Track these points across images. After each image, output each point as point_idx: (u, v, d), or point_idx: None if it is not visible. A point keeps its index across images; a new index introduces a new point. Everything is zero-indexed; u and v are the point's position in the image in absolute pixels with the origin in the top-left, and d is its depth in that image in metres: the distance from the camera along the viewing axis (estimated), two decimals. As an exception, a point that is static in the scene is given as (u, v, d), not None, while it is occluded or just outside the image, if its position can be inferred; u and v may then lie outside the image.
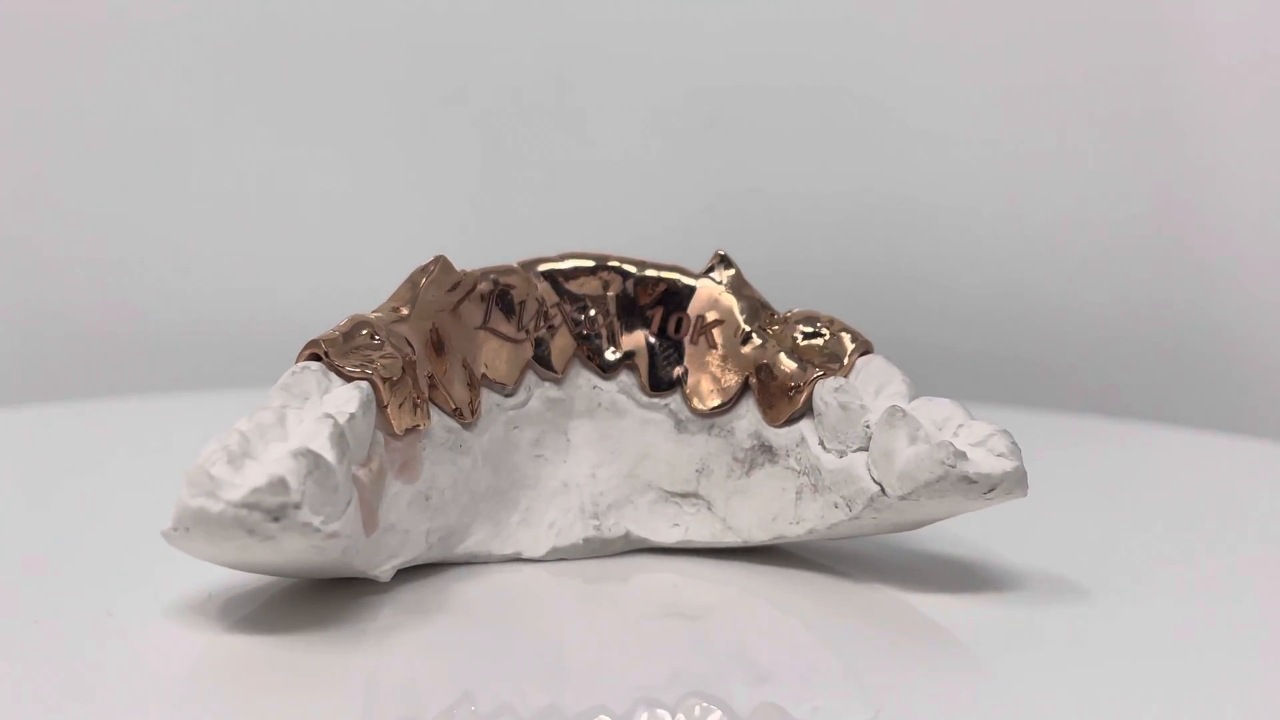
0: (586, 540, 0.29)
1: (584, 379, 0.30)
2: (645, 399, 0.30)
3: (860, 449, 0.27)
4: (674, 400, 0.30)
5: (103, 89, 0.54)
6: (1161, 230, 0.55)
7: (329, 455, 0.23)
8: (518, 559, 0.29)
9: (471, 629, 0.26)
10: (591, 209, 0.57)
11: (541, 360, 0.30)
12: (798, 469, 0.28)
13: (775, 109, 0.56)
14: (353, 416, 0.25)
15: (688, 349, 0.30)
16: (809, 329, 0.29)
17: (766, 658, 0.25)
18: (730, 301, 0.30)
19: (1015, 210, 0.56)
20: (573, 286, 0.30)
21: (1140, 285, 0.55)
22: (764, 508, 0.29)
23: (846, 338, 0.29)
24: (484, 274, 0.29)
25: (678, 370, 0.30)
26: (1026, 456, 0.26)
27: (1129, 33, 0.54)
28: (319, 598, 0.26)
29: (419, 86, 0.56)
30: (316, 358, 0.26)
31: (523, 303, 0.29)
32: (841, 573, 0.29)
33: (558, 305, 0.30)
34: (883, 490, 0.25)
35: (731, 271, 0.30)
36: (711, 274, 0.30)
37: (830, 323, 0.29)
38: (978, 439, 0.25)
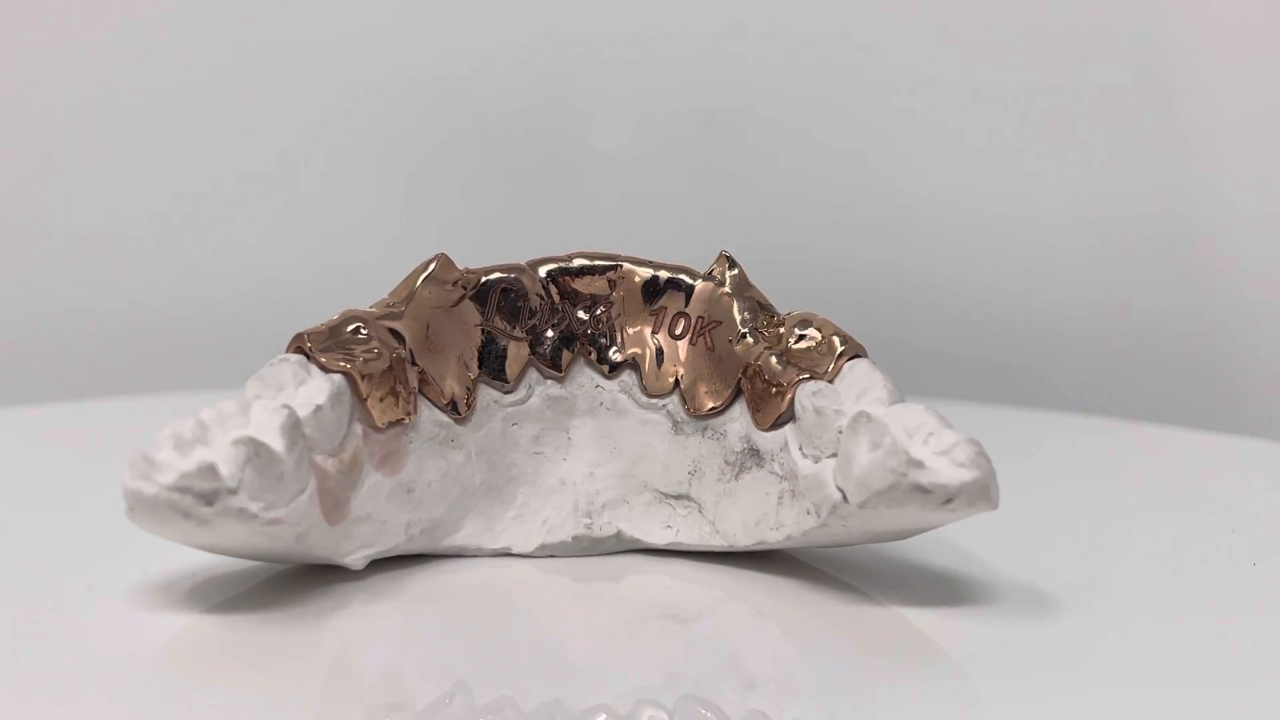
0: (575, 538, 0.29)
1: (587, 378, 0.30)
2: (645, 399, 0.30)
3: (832, 455, 0.26)
4: (672, 401, 0.30)
5: (103, 89, 0.55)
6: (1159, 230, 0.55)
7: (277, 444, 0.24)
8: (507, 554, 0.29)
9: (456, 621, 0.26)
10: (594, 209, 0.57)
11: (543, 358, 0.30)
12: (780, 474, 0.28)
13: (775, 108, 0.56)
14: (319, 408, 0.25)
15: (687, 350, 0.30)
16: (802, 332, 0.29)
17: (753, 664, 0.25)
18: (730, 303, 0.29)
19: (1013, 211, 0.56)
20: (579, 285, 0.30)
21: (1138, 285, 0.55)
22: (749, 512, 0.28)
23: (836, 341, 0.28)
24: (487, 272, 0.30)
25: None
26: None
27: (1129, 32, 0.54)
28: (305, 583, 0.27)
29: (420, 85, 0.56)
30: (303, 350, 0.27)
31: (525, 301, 0.30)
32: (831, 580, 0.28)
33: (562, 304, 0.30)
34: (845, 498, 0.25)
35: (734, 272, 0.30)
36: (715, 275, 0.30)
37: (822, 326, 0.28)
38: (943, 447, 0.24)
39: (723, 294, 0.30)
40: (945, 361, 0.57)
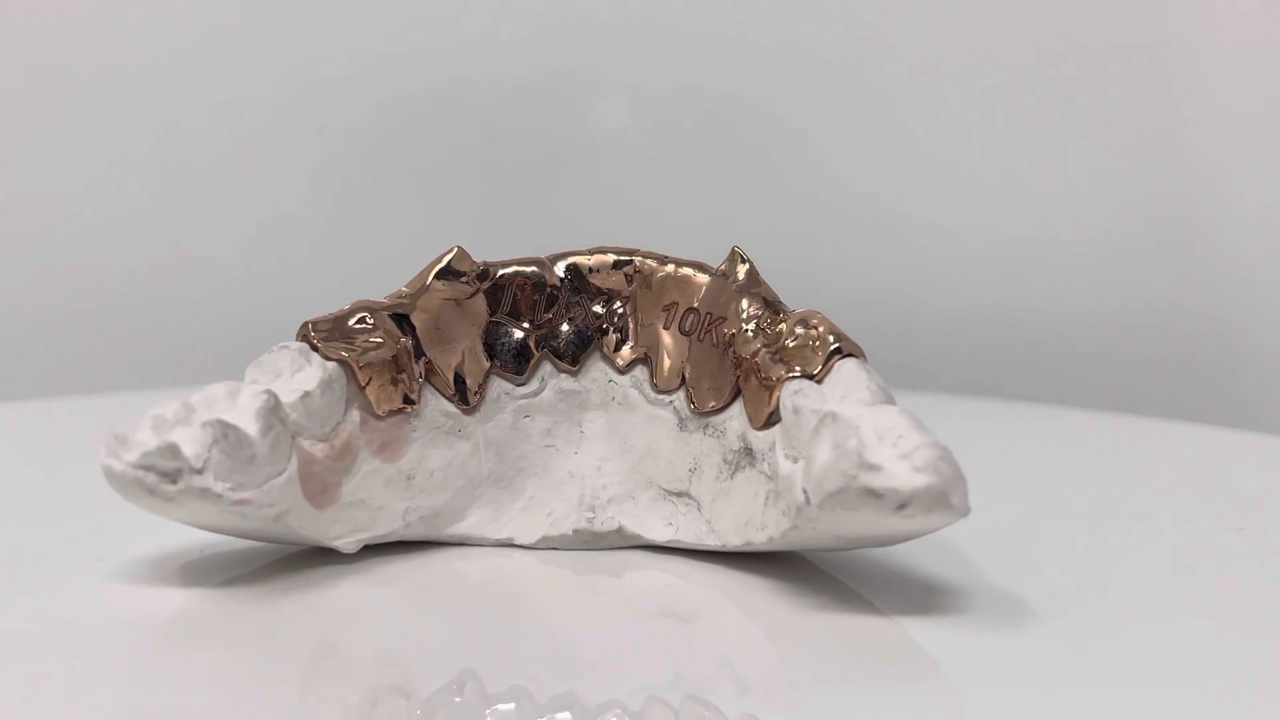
0: (576, 531, 0.29)
1: (600, 372, 0.30)
2: (653, 395, 0.30)
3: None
4: (678, 398, 0.29)
5: (104, 88, 0.56)
6: (1163, 226, 0.55)
7: (251, 428, 0.25)
8: (509, 544, 0.29)
9: (454, 608, 0.26)
10: (604, 202, 0.57)
11: (557, 352, 0.30)
12: (768, 474, 0.27)
13: (774, 106, 0.56)
14: (307, 394, 0.26)
15: (694, 347, 0.29)
16: (800, 330, 0.28)
17: (741, 670, 0.24)
18: (737, 299, 0.29)
19: (1016, 206, 0.56)
20: (596, 280, 0.30)
21: (1142, 281, 0.56)
22: (740, 512, 0.28)
23: (830, 339, 0.27)
24: (505, 265, 0.30)
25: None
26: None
27: (1130, 29, 0.55)
28: (300, 566, 0.27)
29: (420, 86, 0.56)
30: (306, 338, 0.28)
31: (542, 294, 0.30)
32: (827, 581, 0.27)
33: (579, 298, 0.30)
34: (807, 499, 0.24)
35: (745, 268, 0.29)
36: (725, 270, 0.29)
37: (820, 324, 0.28)
38: (905, 451, 0.23)
39: (732, 290, 0.29)
40: (949, 357, 0.57)
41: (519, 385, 0.30)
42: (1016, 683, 0.22)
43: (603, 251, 0.30)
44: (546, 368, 0.30)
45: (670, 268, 0.30)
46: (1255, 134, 0.54)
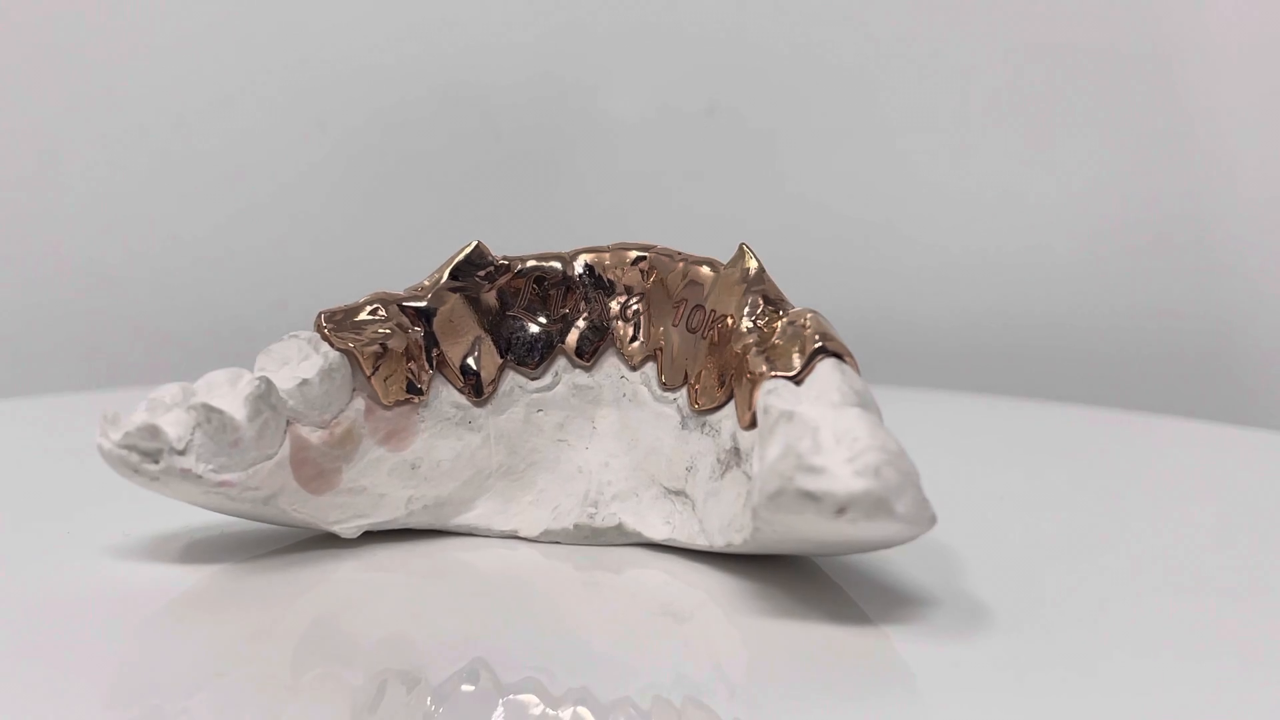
0: (577, 526, 0.29)
1: (613, 368, 0.30)
2: (659, 393, 0.29)
3: None
4: (682, 396, 0.29)
5: (107, 87, 0.56)
6: (1166, 223, 0.56)
7: (239, 413, 0.26)
8: (514, 537, 0.30)
9: (453, 597, 0.27)
10: (605, 203, 0.57)
11: (572, 347, 0.30)
12: (749, 474, 0.26)
13: (776, 105, 0.56)
14: (304, 382, 0.27)
15: (698, 344, 0.29)
16: (791, 328, 0.27)
17: (737, 671, 0.24)
18: (740, 296, 0.28)
19: (1020, 204, 0.57)
20: (613, 275, 0.30)
21: (1144, 278, 0.56)
22: (725, 512, 0.27)
23: (816, 339, 0.26)
24: (523, 259, 0.30)
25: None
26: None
27: (1132, 27, 0.55)
28: (302, 552, 0.28)
29: (426, 83, 0.56)
30: (319, 327, 0.29)
31: (556, 289, 0.30)
32: (820, 585, 0.26)
33: (595, 293, 0.30)
34: (752, 501, 0.23)
35: (751, 265, 0.28)
36: (732, 267, 0.29)
37: (809, 323, 0.27)
38: (854, 454, 0.22)
39: (735, 287, 0.28)
40: (953, 354, 0.57)
41: (533, 379, 0.30)
42: (990, 693, 0.22)
43: (624, 247, 0.30)
44: (561, 362, 0.30)
45: (682, 264, 0.29)
46: (1257, 130, 0.54)
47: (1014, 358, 0.56)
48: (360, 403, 0.28)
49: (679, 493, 0.29)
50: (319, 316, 0.28)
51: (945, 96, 0.56)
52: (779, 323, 0.27)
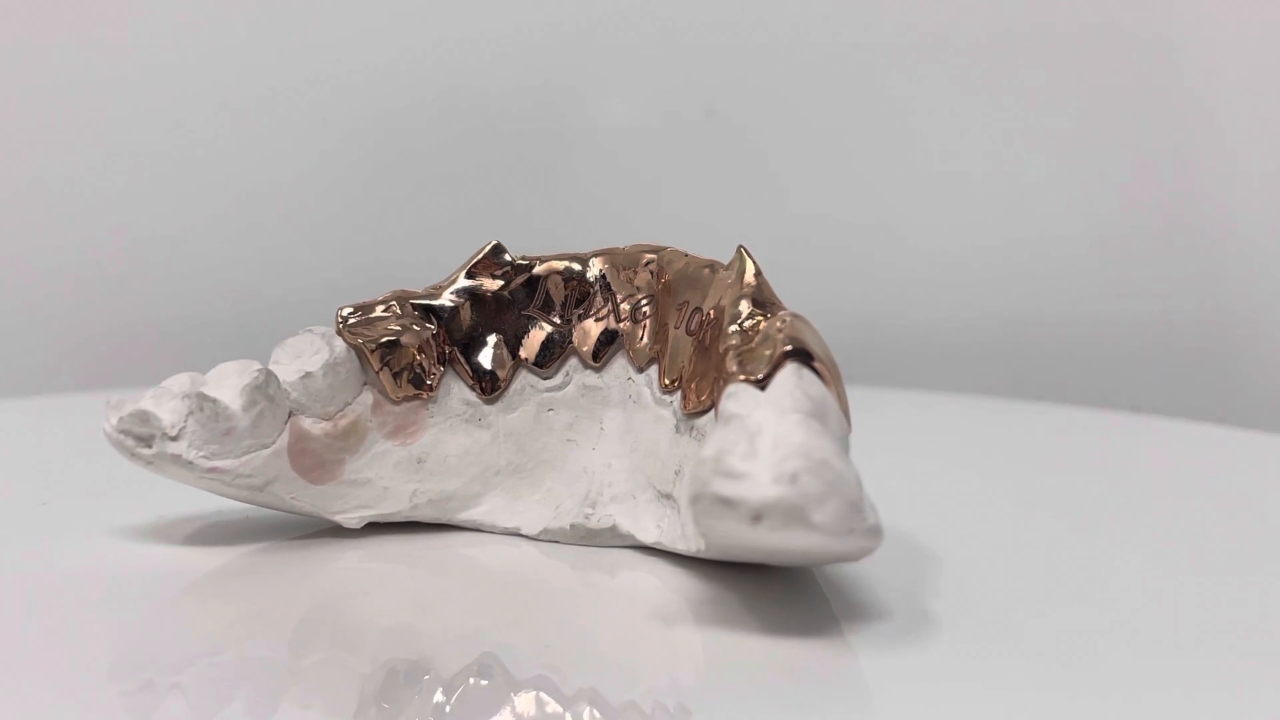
0: (574, 526, 0.29)
1: (622, 369, 0.30)
2: (659, 395, 0.29)
3: None
4: (677, 399, 0.29)
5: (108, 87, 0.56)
6: (1166, 224, 0.56)
7: (234, 402, 0.27)
8: (516, 534, 0.30)
9: (465, 592, 0.27)
10: (606, 205, 0.57)
11: (581, 347, 0.30)
12: None
13: (773, 107, 0.57)
14: (308, 375, 0.28)
15: (696, 347, 0.29)
16: (769, 331, 0.26)
17: (686, 683, 0.24)
18: (733, 299, 0.28)
19: (1015, 208, 0.57)
20: (626, 277, 0.30)
21: (1144, 279, 0.56)
22: None
23: (784, 342, 0.26)
24: (541, 259, 0.30)
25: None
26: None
27: (1133, 24, 0.55)
28: (313, 537, 0.29)
29: (422, 90, 0.56)
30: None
31: (572, 289, 0.30)
32: (800, 595, 0.26)
33: (608, 295, 0.30)
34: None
35: (748, 267, 0.28)
36: (728, 270, 0.29)
37: (785, 327, 0.26)
38: (777, 460, 0.22)
39: (729, 290, 0.28)
40: (951, 356, 0.57)
41: (544, 379, 0.30)
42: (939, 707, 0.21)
43: (640, 249, 0.30)
44: (572, 362, 0.30)
45: (688, 266, 0.29)
46: (1258, 129, 0.54)
47: (1013, 360, 0.57)
48: (369, 397, 0.29)
49: (669, 496, 0.28)
50: (337, 311, 0.29)
51: (943, 97, 0.56)
52: (763, 326, 0.27)
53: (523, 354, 0.30)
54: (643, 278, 0.30)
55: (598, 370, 0.30)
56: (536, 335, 0.30)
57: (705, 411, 0.28)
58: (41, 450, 0.39)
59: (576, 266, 0.30)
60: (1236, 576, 0.28)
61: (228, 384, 0.28)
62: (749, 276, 0.28)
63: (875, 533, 0.23)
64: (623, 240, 0.31)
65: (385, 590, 0.27)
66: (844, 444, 0.24)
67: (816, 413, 0.24)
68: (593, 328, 0.30)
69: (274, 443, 0.28)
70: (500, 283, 0.30)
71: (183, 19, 0.56)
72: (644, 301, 0.30)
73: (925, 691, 0.22)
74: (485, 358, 0.30)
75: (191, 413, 0.27)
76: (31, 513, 0.32)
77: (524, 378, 0.30)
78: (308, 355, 0.29)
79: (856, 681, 0.22)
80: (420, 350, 0.29)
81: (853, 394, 0.26)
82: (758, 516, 0.21)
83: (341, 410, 0.29)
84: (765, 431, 0.22)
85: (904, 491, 0.34)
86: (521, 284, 0.30)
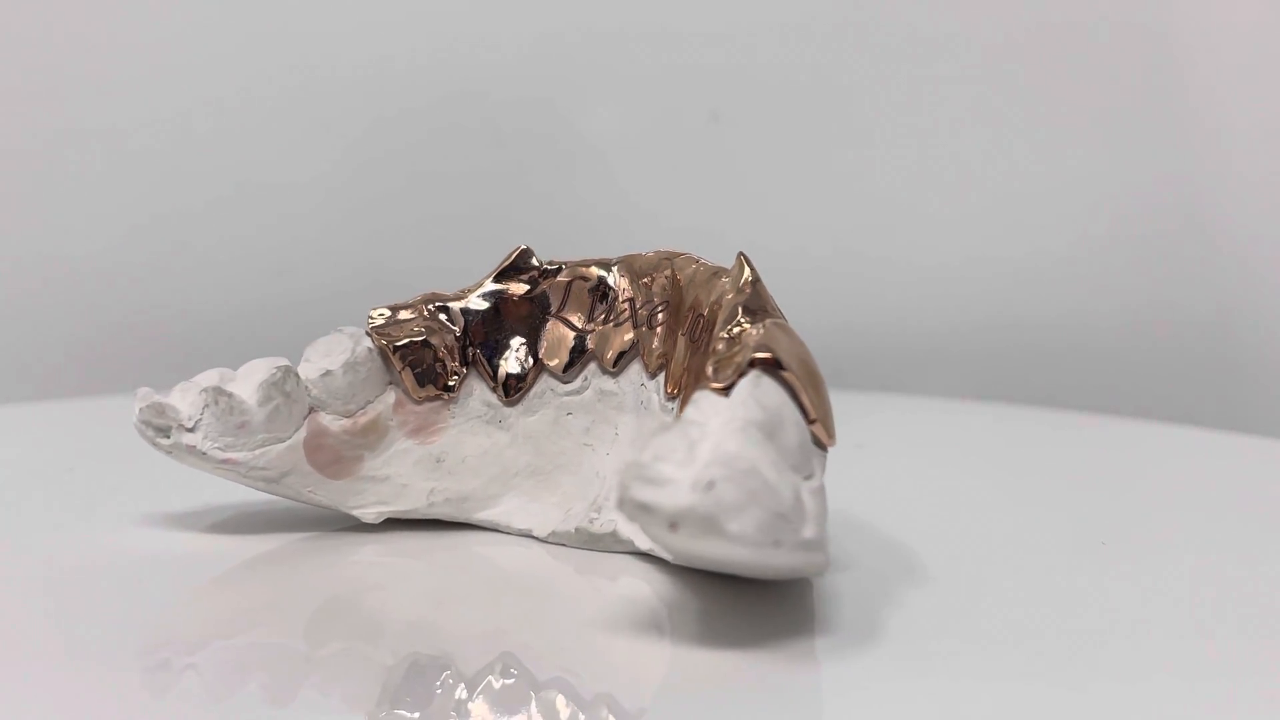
0: (578, 530, 0.29)
1: (636, 375, 0.30)
2: (664, 401, 0.29)
3: None
4: (675, 405, 0.29)
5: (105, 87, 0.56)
6: (1170, 226, 0.56)
7: (251, 397, 0.28)
8: (528, 535, 0.30)
9: (479, 590, 0.28)
10: (609, 211, 0.57)
11: (601, 352, 0.30)
12: None
13: (773, 107, 0.57)
14: (328, 373, 0.29)
15: (695, 353, 0.28)
16: (746, 339, 0.26)
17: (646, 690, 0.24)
18: (724, 305, 0.27)
19: (1014, 212, 0.57)
20: (645, 283, 0.30)
21: (1145, 283, 0.56)
22: None
23: (753, 351, 0.25)
24: (567, 264, 0.31)
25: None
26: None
27: (1135, 23, 0.55)
28: (333, 530, 0.30)
29: (419, 88, 0.55)
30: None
31: (595, 295, 0.30)
32: (776, 605, 0.26)
33: (628, 301, 0.30)
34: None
35: (745, 274, 0.28)
36: (727, 277, 0.28)
37: (760, 334, 0.26)
38: (701, 467, 0.21)
39: (725, 297, 0.28)
40: (955, 358, 0.57)
41: (564, 383, 0.30)
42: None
43: (660, 255, 0.30)
44: (591, 367, 0.30)
45: (696, 273, 0.29)
46: (1260, 126, 0.54)
47: (1014, 364, 0.56)
48: (391, 395, 0.30)
49: None
50: (369, 312, 0.30)
51: (941, 101, 0.56)
52: (743, 333, 0.26)
53: (544, 358, 0.30)
54: (659, 284, 0.30)
55: (614, 376, 0.30)
56: (559, 339, 0.30)
57: None
58: (84, 444, 0.41)
59: (600, 272, 0.30)
60: (1228, 586, 0.28)
61: (250, 380, 0.29)
62: (743, 283, 0.27)
63: (812, 547, 0.22)
64: (636, 246, 0.31)
65: (402, 585, 0.27)
66: (796, 454, 0.24)
67: (768, 422, 0.23)
68: (612, 333, 0.30)
69: (290, 437, 0.29)
70: (526, 286, 0.31)
71: (182, 20, 0.56)
72: (659, 308, 0.30)
73: (872, 701, 0.21)
74: (508, 361, 0.30)
75: (208, 406, 0.28)
76: (66, 502, 0.33)
77: (545, 381, 0.30)
78: (336, 354, 0.30)
79: (808, 692, 0.22)
80: (444, 352, 0.30)
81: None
82: (674, 524, 0.21)
83: (362, 408, 0.30)
84: (707, 439, 0.22)
85: (903, 498, 0.35)
86: (547, 288, 0.31)
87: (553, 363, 0.30)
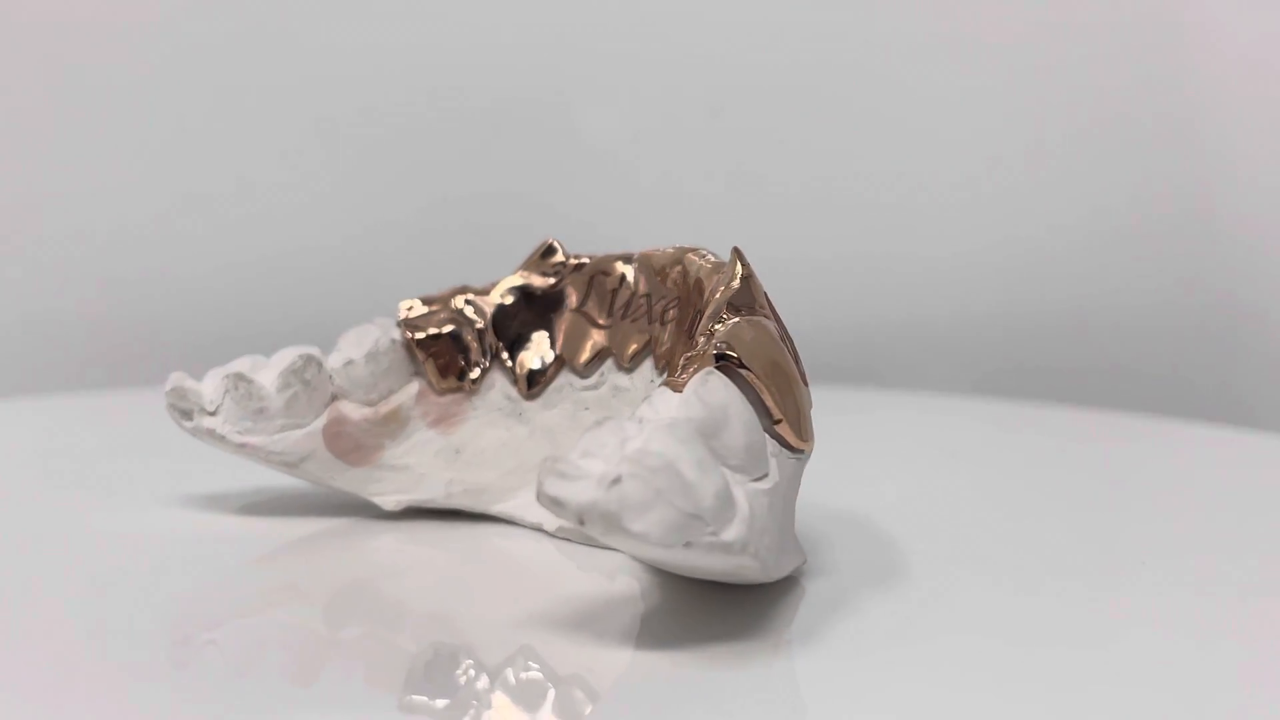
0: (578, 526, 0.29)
1: (648, 371, 0.30)
2: None
3: None
4: None
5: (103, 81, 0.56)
6: (1173, 221, 0.56)
7: (272, 384, 0.29)
8: (539, 529, 0.31)
9: (495, 582, 0.28)
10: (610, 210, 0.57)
11: (619, 348, 0.30)
12: None
13: (779, 99, 0.57)
14: (350, 362, 0.30)
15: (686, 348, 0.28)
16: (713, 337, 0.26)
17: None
18: (715, 300, 0.27)
19: (1013, 207, 0.57)
20: (660, 279, 0.30)
21: (1144, 281, 0.56)
22: None
23: (713, 350, 0.25)
24: (592, 259, 0.31)
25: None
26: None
27: (1136, 17, 0.55)
28: (350, 515, 0.31)
29: (418, 85, 0.56)
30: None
31: (615, 291, 0.31)
32: (755, 610, 0.26)
33: (645, 297, 0.30)
34: None
35: (737, 271, 0.27)
36: (721, 273, 0.28)
37: (721, 333, 0.25)
38: (606, 463, 0.21)
39: (718, 292, 0.27)
40: (954, 355, 0.57)
41: (582, 378, 0.31)
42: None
43: (680, 251, 0.30)
44: (608, 363, 0.30)
45: (701, 268, 0.29)
46: (1266, 124, 0.54)
47: (1013, 359, 0.56)
48: (415, 386, 0.31)
49: None
50: (400, 304, 0.31)
51: (943, 92, 0.56)
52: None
53: (564, 353, 0.31)
54: (672, 280, 0.30)
55: (628, 372, 0.30)
56: (579, 334, 0.31)
57: None
58: (127, 432, 0.42)
59: (621, 267, 0.31)
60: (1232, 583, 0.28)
61: (275, 367, 0.30)
62: (734, 280, 0.27)
63: (734, 550, 0.22)
64: (636, 245, 0.31)
65: (419, 574, 0.28)
66: (741, 454, 0.23)
67: (708, 420, 0.23)
68: (629, 329, 0.30)
69: (310, 424, 0.30)
70: (551, 280, 0.31)
71: (181, 20, 0.56)
72: (671, 304, 0.30)
73: (831, 697, 0.22)
74: (529, 355, 0.31)
75: (228, 391, 0.29)
76: (110, 485, 0.34)
77: (564, 376, 0.31)
78: (362, 344, 0.30)
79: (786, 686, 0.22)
80: (469, 344, 0.31)
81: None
82: (580, 519, 0.21)
83: (385, 398, 0.30)
84: (641, 435, 0.22)
85: (898, 495, 0.35)
86: (570, 283, 0.31)
87: (572, 358, 0.31)
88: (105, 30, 0.56)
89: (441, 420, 0.31)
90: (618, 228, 0.56)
